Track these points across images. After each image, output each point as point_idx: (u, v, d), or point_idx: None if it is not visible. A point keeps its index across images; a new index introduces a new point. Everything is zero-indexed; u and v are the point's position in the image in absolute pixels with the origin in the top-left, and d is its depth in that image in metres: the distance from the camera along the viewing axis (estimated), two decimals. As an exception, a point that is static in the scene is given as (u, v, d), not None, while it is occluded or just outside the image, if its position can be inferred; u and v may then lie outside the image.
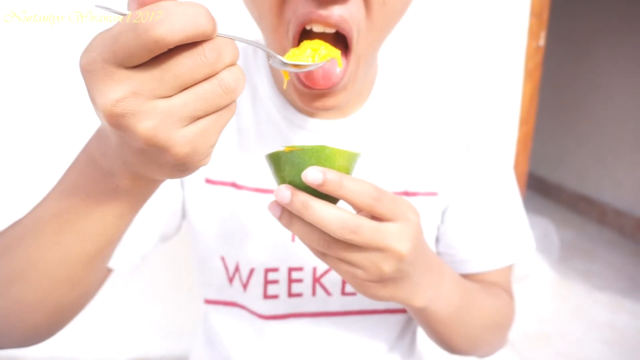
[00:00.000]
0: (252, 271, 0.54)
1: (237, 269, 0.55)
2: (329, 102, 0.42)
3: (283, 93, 0.52)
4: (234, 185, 0.53)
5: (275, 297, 0.54)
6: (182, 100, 0.26)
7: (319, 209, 0.32)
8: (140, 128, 0.26)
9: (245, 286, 0.55)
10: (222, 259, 0.55)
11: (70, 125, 1.18)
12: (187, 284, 1.31)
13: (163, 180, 0.35)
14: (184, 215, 0.57)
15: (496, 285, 0.57)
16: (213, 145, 0.29)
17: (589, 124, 2.75)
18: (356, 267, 0.35)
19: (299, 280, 0.54)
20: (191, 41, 0.25)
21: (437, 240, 0.58)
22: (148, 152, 0.27)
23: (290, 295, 0.54)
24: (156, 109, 0.26)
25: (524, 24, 1.18)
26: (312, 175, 0.31)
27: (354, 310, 0.55)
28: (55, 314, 0.41)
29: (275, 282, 0.54)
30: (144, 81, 0.25)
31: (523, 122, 1.23)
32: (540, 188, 3.15)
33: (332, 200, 0.34)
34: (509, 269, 0.59)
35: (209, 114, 0.27)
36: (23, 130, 1.19)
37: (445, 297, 0.43)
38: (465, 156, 0.55)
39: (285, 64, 0.35)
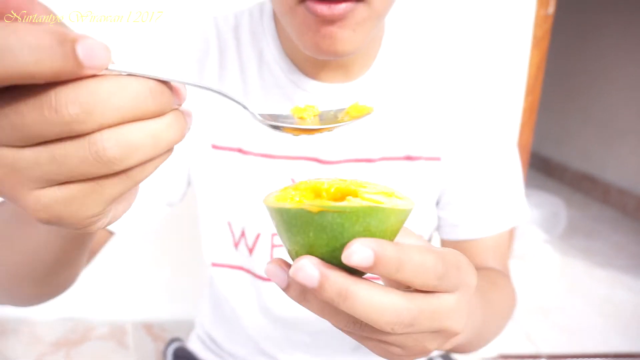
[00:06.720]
0: (258, 236, 0.54)
1: (242, 234, 0.55)
2: (337, 43, 0.40)
3: (290, 56, 0.51)
4: (240, 150, 0.53)
5: None
6: (33, 156, 0.19)
7: (362, 300, 0.23)
8: None
9: (251, 251, 0.55)
10: (229, 224, 0.55)
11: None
12: (193, 247, 1.32)
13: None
14: (189, 182, 0.57)
15: (498, 272, 0.57)
16: (97, 215, 0.22)
17: (594, 102, 2.72)
18: (393, 346, 0.27)
19: None
20: (35, 81, 0.17)
21: (437, 203, 0.58)
22: None
23: None
24: (2, 158, 0.19)
25: (533, -10, 1.16)
26: (360, 256, 0.21)
27: None
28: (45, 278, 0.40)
29: (281, 246, 0.54)
30: None
31: (529, 91, 1.22)
32: (544, 167, 3.14)
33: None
34: (504, 239, 0.58)
35: (80, 181, 0.20)
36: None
37: (473, 325, 0.38)
38: (470, 123, 0.55)
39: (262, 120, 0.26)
